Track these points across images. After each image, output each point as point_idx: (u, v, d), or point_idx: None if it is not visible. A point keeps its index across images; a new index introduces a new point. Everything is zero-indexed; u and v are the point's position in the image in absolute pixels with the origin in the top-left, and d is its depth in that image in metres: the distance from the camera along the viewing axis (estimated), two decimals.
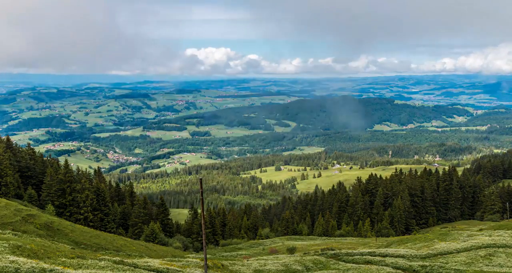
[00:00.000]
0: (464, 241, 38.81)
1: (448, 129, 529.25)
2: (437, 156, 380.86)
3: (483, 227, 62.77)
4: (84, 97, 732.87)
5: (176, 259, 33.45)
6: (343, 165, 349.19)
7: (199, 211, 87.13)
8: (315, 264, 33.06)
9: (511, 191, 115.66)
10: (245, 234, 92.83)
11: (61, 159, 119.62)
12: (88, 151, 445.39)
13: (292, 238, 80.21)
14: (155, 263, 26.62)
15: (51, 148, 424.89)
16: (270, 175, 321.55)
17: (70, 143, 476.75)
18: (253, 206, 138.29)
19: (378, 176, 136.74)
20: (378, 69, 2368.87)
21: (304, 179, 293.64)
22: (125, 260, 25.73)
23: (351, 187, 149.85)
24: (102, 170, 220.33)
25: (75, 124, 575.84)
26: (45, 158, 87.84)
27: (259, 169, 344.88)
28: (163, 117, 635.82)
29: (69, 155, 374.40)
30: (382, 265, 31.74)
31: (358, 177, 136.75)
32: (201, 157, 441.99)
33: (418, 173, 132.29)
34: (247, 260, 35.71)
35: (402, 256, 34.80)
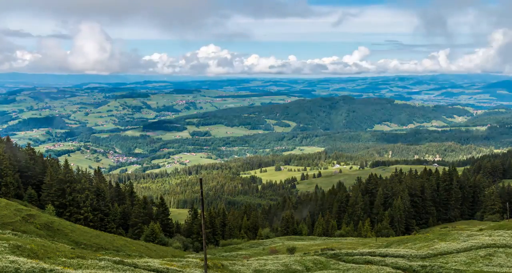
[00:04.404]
0: (464, 241, 38.79)
1: (448, 129, 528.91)
2: (437, 156, 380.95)
3: (483, 227, 62.75)
4: (84, 97, 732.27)
5: (176, 259, 33.46)
6: (343, 165, 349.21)
7: (199, 211, 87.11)
8: (315, 264, 33.06)
9: (511, 191, 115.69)
10: (245, 234, 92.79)
11: (61, 159, 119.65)
12: (88, 151, 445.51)
13: (292, 238, 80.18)
14: (155, 263, 26.62)
15: (51, 148, 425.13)
16: (270, 175, 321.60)
17: (70, 143, 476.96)
18: (253, 206, 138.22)
19: (378, 176, 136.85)
20: (378, 69, 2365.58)
21: (304, 179, 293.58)
22: (125, 260, 25.72)
23: (351, 187, 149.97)
24: (102, 170, 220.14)
25: (75, 124, 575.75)
26: (45, 158, 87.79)
27: (259, 169, 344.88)
28: (163, 117, 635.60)
29: (69, 155, 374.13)
30: (382, 265, 31.73)
31: (358, 177, 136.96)
32: (201, 157, 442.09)
33: (418, 173, 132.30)
34: (247, 260, 35.71)
35: (402, 256, 34.79)
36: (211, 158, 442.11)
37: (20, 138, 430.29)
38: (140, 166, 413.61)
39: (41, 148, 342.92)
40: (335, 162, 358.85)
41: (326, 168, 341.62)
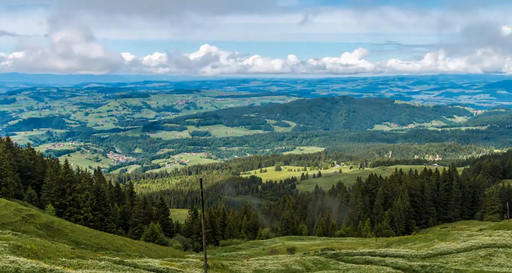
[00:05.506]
0: (464, 241, 38.80)
1: (448, 129, 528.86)
2: (437, 156, 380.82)
3: (483, 227, 62.80)
4: (84, 97, 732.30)
5: (176, 259, 33.45)
6: (343, 165, 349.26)
7: (199, 211, 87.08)
8: (315, 264, 33.06)
9: (511, 191, 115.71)
10: (245, 234, 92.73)
11: (61, 159, 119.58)
12: (88, 151, 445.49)
13: (292, 238, 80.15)
14: (155, 263, 26.62)
15: (51, 148, 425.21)
16: (270, 175, 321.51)
17: (70, 143, 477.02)
18: (253, 206, 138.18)
19: (378, 176, 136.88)
20: (378, 69, 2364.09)
21: (304, 179, 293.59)
22: (125, 260, 25.72)
23: (351, 187, 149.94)
24: (102, 170, 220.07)
25: (75, 124, 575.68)
26: (45, 158, 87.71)
27: (259, 169, 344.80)
28: (163, 117, 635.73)
29: (69, 155, 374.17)
30: (382, 265, 31.74)
31: (358, 177, 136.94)
32: (201, 157, 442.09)
33: (418, 173, 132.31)
34: (247, 260, 35.71)
35: (402, 256, 34.79)
36: (211, 158, 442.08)
37: (20, 138, 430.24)
38: (140, 166, 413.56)
39: (41, 148, 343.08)
40: (335, 162, 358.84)
41: (326, 168, 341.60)
